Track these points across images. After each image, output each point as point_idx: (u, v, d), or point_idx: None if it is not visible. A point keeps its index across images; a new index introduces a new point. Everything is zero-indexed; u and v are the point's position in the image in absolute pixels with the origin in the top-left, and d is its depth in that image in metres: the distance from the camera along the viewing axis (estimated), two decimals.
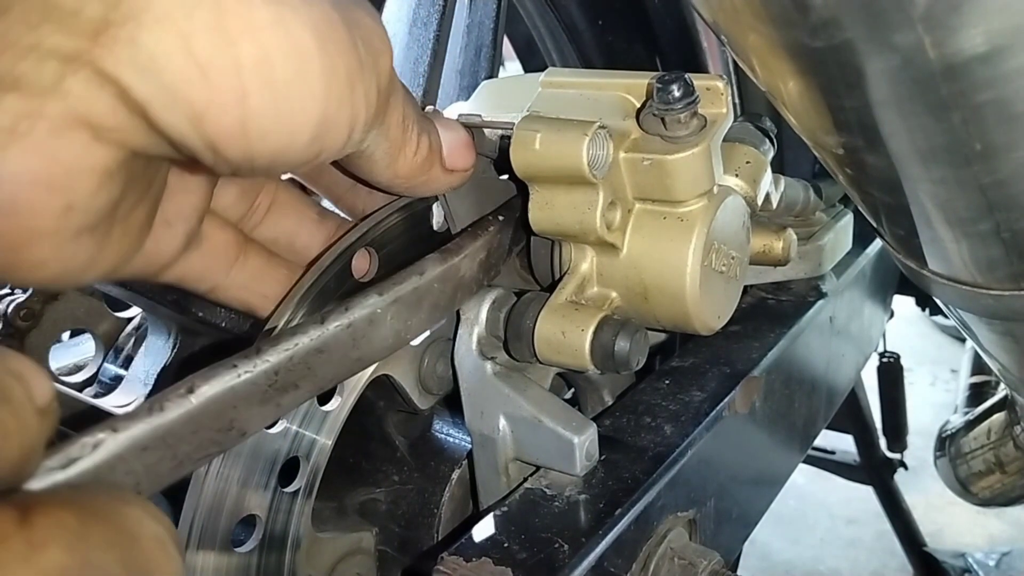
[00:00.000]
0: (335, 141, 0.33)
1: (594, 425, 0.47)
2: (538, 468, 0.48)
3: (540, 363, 0.48)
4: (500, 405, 0.48)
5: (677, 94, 0.44)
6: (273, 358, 0.36)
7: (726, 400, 0.55)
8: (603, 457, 0.48)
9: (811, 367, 0.70)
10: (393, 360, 0.49)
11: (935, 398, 2.48)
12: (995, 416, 1.11)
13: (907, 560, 1.77)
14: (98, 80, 0.27)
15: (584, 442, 0.46)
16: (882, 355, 1.55)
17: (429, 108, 0.50)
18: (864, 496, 1.78)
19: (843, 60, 0.35)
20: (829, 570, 1.86)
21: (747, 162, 0.53)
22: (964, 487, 1.19)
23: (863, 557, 1.89)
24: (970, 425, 1.17)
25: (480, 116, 0.48)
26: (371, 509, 0.55)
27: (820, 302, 0.70)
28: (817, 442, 1.80)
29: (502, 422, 0.48)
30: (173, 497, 0.41)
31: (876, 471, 1.68)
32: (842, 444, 1.73)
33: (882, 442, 1.67)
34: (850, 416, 1.63)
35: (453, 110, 0.56)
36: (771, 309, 0.69)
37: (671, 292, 0.47)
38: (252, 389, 0.35)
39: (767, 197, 0.56)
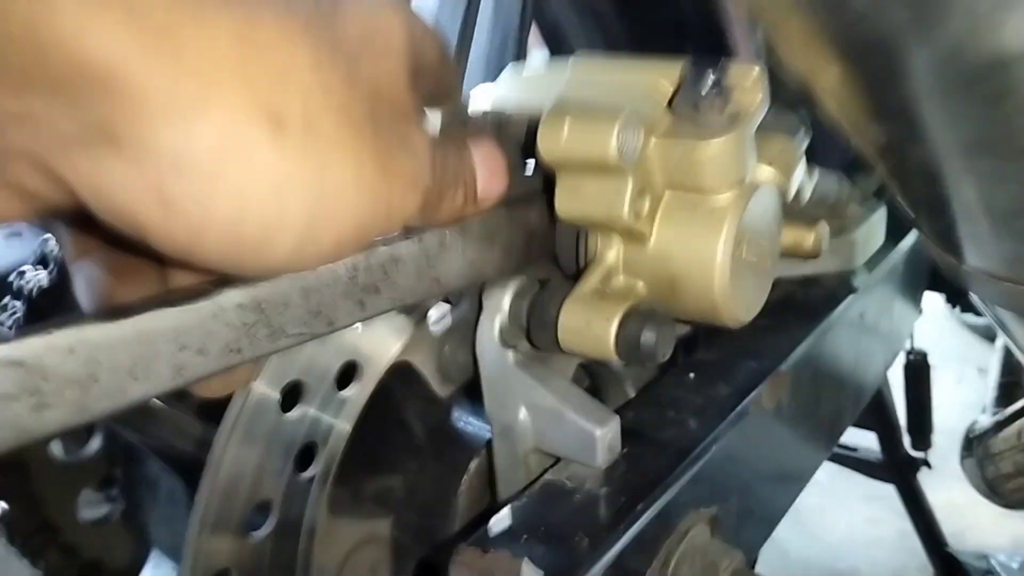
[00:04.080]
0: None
1: (617, 417, 0.46)
2: (559, 459, 0.47)
3: (563, 353, 0.47)
4: (521, 394, 0.47)
5: (711, 80, 0.43)
6: (352, 258, 0.38)
7: (753, 395, 0.53)
8: (625, 450, 0.47)
9: (839, 364, 0.68)
10: (413, 346, 0.48)
11: (961, 397, 2.44)
12: None
13: (928, 561, 1.74)
14: (44, 175, 0.25)
15: (606, 434, 0.45)
16: (909, 352, 1.53)
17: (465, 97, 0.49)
18: (886, 495, 1.76)
19: (888, 50, 0.33)
20: (848, 568, 1.84)
21: (780, 152, 0.52)
22: (991, 488, 1.17)
23: (883, 556, 1.87)
24: (999, 426, 1.15)
25: (506, 105, 0.47)
26: (388, 497, 0.54)
27: (850, 297, 0.68)
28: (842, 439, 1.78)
29: (523, 412, 0.47)
30: (189, 480, 0.41)
31: (899, 470, 1.65)
32: (865, 441, 1.71)
33: (906, 440, 1.65)
34: (874, 413, 1.61)
35: (479, 92, 0.55)
36: (801, 303, 0.68)
37: (699, 283, 0.46)
38: (333, 279, 0.37)
39: (800, 188, 0.55)
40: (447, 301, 0.53)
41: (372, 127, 0.29)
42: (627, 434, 0.49)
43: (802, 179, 0.55)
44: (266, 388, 0.41)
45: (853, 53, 0.35)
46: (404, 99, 0.32)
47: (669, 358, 0.46)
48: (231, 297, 0.34)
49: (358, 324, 0.44)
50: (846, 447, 1.73)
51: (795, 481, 0.66)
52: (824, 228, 0.59)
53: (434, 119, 0.49)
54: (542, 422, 0.47)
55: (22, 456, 0.65)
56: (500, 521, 0.42)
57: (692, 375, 0.56)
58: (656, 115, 0.45)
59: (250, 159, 0.25)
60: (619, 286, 0.48)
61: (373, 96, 0.30)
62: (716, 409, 0.52)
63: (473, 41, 0.64)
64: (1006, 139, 0.33)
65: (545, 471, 0.47)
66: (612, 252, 0.48)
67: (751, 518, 0.56)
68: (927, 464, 1.63)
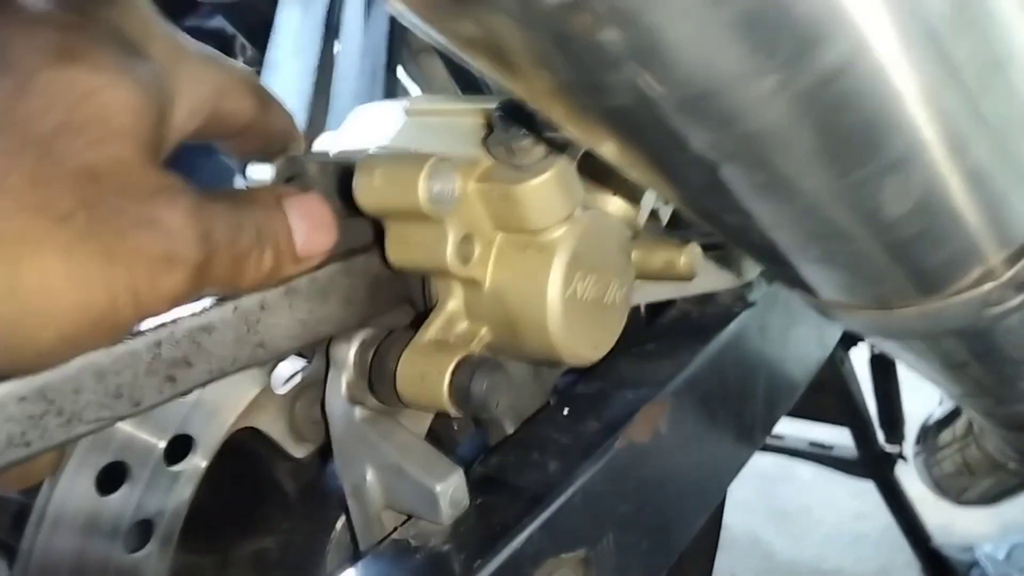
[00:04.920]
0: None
1: (459, 471, 0.45)
2: (410, 516, 0.46)
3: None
4: (367, 452, 0.46)
5: (518, 120, 0.42)
6: (153, 331, 0.37)
7: (622, 430, 0.52)
8: (479, 501, 0.46)
9: (740, 380, 0.67)
10: (256, 410, 0.47)
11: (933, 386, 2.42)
12: (962, 416, 1.07)
13: (914, 555, 1.72)
14: None
15: (448, 489, 0.44)
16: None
17: (293, 153, 0.48)
18: (873, 489, 1.74)
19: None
20: (833, 569, 1.82)
21: (625, 180, 0.51)
22: (939, 487, 1.15)
23: (868, 553, 1.85)
24: (940, 425, 1.13)
25: (327, 153, 0.46)
26: (264, 559, 0.53)
27: (746, 312, 0.67)
28: (816, 436, 1.77)
29: (369, 470, 0.46)
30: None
31: (876, 465, 1.64)
32: (842, 438, 1.69)
33: (881, 435, 1.63)
34: (844, 410, 1.59)
35: (322, 139, 0.54)
36: (692, 323, 0.66)
37: (535, 325, 0.45)
38: (133, 359, 0.37)
39: (654, 213, 0.54)
40: (303, 357, 0.52)
41: (85, 216, 0.28)
42: (484, 482, 0.48)
43: (657, 203, 0.54)
44: (78, 474, 0.40)
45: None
46: (139, 179, 0.31)
47: None
48: (10, 390, 0.34)
49: (189, 396, 0.44)
50: (821, 446, 1.71)
51: (699, 498, 0.64)
52: (696, 248, 0.58)
53: (262, 174, 0.48)
54: (388, 480, 0.46)
55: None
56: None
57: (566, 410, 0.55)
58: (476, 157, 0.44)
59: None
60: (463, 332, 0.47)
61: (85, 184, 0.29)
62: (581, 448, 0.50)
63: (340, 80, 0.63)
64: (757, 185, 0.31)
65: (395, 529, 0.46)
66: (453, 298, 0.47)
67: (637, 552, 0.54)
68: (903, 457, 1.61)
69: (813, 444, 1.68)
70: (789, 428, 1.74)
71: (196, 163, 0.54)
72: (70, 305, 0.28)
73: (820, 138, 0.25)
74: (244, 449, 0.50)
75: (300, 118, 0.60)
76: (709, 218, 0.36)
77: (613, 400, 0.56)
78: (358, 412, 0.47)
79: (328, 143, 0.53)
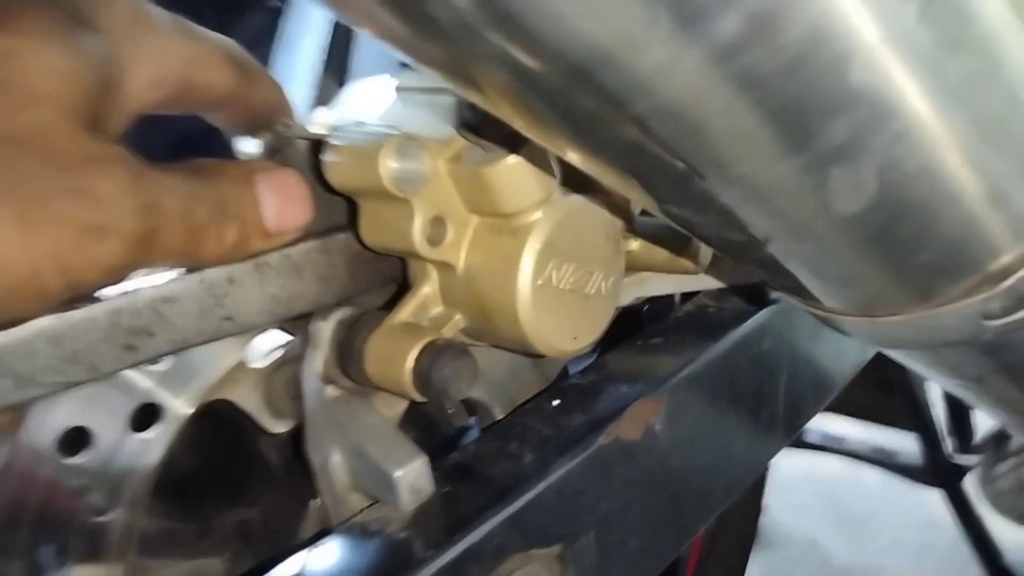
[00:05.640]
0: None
1: (423, 457, 0.43)
2: (375, 500, 0.46)
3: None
4: (335, 433, 0.46)
5: None
6: (112, 300, 0.38)
7: (610, 425, 0.50)
8: (446, 489, 0.45)
9: (757, 379, 0.64)
10: (231, 383, 0.47)
11: None
12: None
13: (983, 573, 1.63)
14: None
15: (408, 475, 0.43)
16: None
17: (284, 126, 0.48)
18: (942, 499, 1.65)
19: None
20: None
21: None
22: (999, 505, 1.07)
23: (933, 566, 1.76)
24: (998, 439, 1.05)
25: (301, 130, 0.46)
26: (246, 529, 0.53)
27: (767, 310, 0.63)
28: (880, 440, 1.69)
29: (336, 451, 0.46)
30: None
31: (943, 474, 1.55)
32: (908, 444, 1.61)
33: (950, 444, 1.54)
34: (911, 414, 1.51)
35: (317, 114, 0.54)
36: (707, 319, 0.63)
37: (506, 312, 0.43)
38: (90, 325, 0.37)
39: None
40: (289, 333, 0.52)
41: (1, 180, 0.28)
42: (456, 471, 0.47)
43: None
44: (38, 435, 0.40)
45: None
46: (65, 146, 0.31)
47: None
48: None
49: (160, 362, 0.44)
50: (884, 450, 1.63)
51: (701, 501, 0.61)
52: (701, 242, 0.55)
53: (250, 147, 0.48)
54: (352, 462, 0.45)
55: None
56: (286, 569, 0.41)
57: (556, 402, 0.53)
58: (450, 136, 0.43)
59: None
60: (437, 316, 0.46)
61: (2, 148, 0.29)
62: (560, 441, 0.49)
63: (359, 54, 0.62)
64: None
65: (358, 512, 0.45)
66: (427, 280, 0.46)
67: (623, 552, 0.52)
68: (971, 468, 1.52)
69: (876, 448, 1.60)
70: (851, 430, 1.67)
71: None
72: None
73: (732, 119, 0.23)
74: (227, 419, 0.51)
75: (309, 93, 0.59)
76: (672, 218, 0.34)
77: (605, 394, 0.53)
78: (329, 391, 0.47)
79: (322, 118, 0.52)
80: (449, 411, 0.60)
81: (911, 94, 0.24)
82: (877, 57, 0.23)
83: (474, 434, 0.61)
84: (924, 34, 0.22)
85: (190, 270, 0.41)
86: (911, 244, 0.30)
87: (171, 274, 0.41)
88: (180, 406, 0.45)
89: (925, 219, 0.29)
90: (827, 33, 0.22)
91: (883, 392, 1.58)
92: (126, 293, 0.39)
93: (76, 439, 0.42)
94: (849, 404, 1.54)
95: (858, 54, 0.22)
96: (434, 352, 0.42)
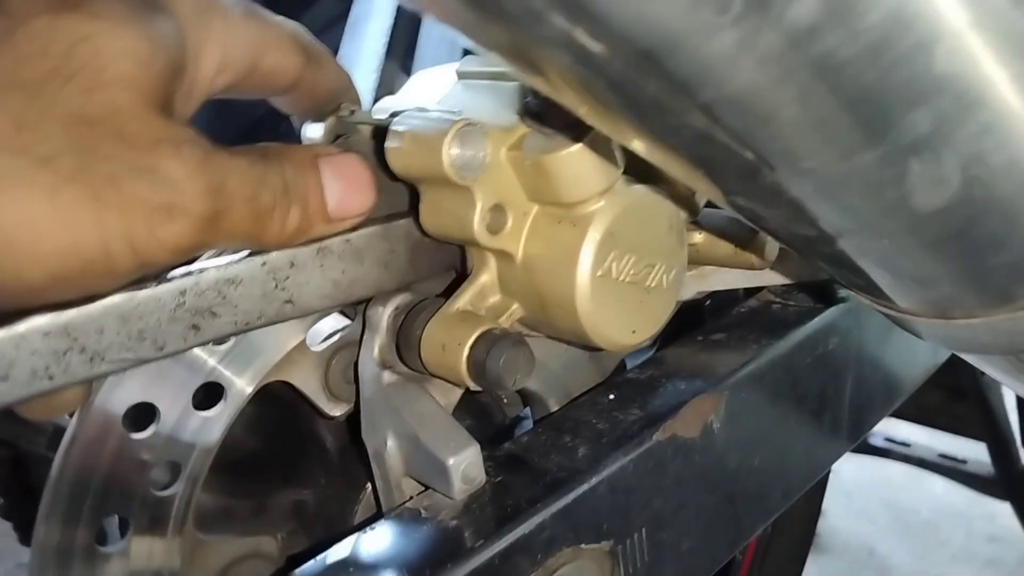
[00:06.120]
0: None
1: (475, 446, 0.43)
2: (427, 487, 0.46)
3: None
4: (390, 418, 0.46)
5: None
6: (179, 280, 0.38)
7: (666, 422, 0.49)
8: (499, 479, 0.45)
9: (821, 380, 0.62)
10: (290, 365, 0.48)
11: None
12: None
13: None
14: None
15: (460, 464, 0.43)
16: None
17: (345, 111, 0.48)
18: (1011, 512, 1.58)
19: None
20: None
21: None
22: None
23: None
24: None
25: (365, 115, 0.46)
26: (301, 510, 0.54)
27: (833, 309, 0.61)
28: (948, 448, 1.63)
29: (391, 437, 0.46)
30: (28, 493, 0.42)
31: (1014, 485, 1.49)
32: (978, 452, 1.55)
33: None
34: (982, 421, 1.45)
35: (384, 102, 0.54)
36: (771, 316, 0.61)
37: (563, 304, 0.43)
38: (156, 304, 0.38)
39: None
40: (347, 316, 0.52)
41: (73, 160, 0.29)
42: (509, 461, 0.47)
43: None
44: (107, 409, 0.42)
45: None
46: (138, 128, 0.31)
47: None
48: (34, 325, 0.35)
49: (225, 343, 0.45)
50: (953, 458, 1.57)
51: (758, 503, 0.60)
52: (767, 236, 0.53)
53: (315, 132, 0.49)
54: (406, 449, 0.45)
55: None
56: (337, 553, 0.41)
57: (612, 396, 0.52)
58: (513, 123, 0.42)
59: None
60: (494, 305, 0.46)
61: (75, 129, 0.29)
62: (615, 436, 0.48)
63: (424, 41, 0.62)
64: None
65: (411, 498, 0.45)
66: (486, 269, 0.45)
67: (676, 552, 0.51)
68: None
69: (944, 456, 1.55)
70: (918, 435, 1.61)
71: None
72: (56, 244, 0.29)
73: (807, 108, 0.22)
74: (285, 401, 0.51)
75: (372, 79, 0.60)
76: (739, 211, 0.33)
77: (663, 389, 0.52)
78: (386, 376, 0.47)
79: (388, 105, 0.53)
80: (503, 401, 0.60)
81: (1001, 83, 0.23)
82: (965, 42, 0.21)
83: (528, 425, 0.61)
84: (1018, 18, 0.21)
85: (253, 253, 0.41)
86: (992, 244, 0.29)
87: (234, 256, 0.41)
88: (241, 386, 0.46)
89: (1009, 218, 0.27)
90: (910, 16, 0.21)
91: (953, 398, 1.53)
92: (191, 273, 0.40)
93: (142, 415, 0.43)
94: (916, 409, 1.49)
95: (944, 39, 0.21)
96: (490, 341, 0.41)
